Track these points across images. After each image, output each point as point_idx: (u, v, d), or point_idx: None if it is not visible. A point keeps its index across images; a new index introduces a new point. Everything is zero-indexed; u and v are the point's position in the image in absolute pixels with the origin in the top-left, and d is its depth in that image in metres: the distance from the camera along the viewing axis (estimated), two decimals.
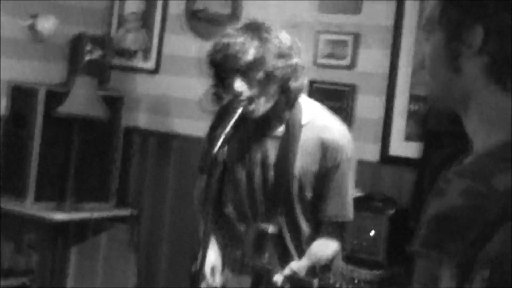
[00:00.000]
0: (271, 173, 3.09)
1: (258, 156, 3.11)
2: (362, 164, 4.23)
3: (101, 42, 5.25)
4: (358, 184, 4.34)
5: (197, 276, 3.02)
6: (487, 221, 1.30)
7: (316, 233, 3.14)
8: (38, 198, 4.96)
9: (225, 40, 2.98)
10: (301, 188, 3.08)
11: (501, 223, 1.30)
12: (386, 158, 4.62)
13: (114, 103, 5.25)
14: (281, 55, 2.97)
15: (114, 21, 5.55)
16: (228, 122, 2.92)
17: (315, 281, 2.89)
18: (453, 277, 1.31)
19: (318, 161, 3.06)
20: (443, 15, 1.47)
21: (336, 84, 4.77)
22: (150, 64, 5.44)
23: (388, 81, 4.63)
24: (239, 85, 2.96)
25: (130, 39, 5.49)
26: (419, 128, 4.50)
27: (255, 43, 2.95)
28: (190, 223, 5.01)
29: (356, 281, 3.32)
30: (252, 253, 3.12)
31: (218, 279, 3.16)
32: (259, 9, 4.98)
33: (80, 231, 5.52)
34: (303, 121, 3.08)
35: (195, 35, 5.27)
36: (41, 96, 4.95)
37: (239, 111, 2.95)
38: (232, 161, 3.15)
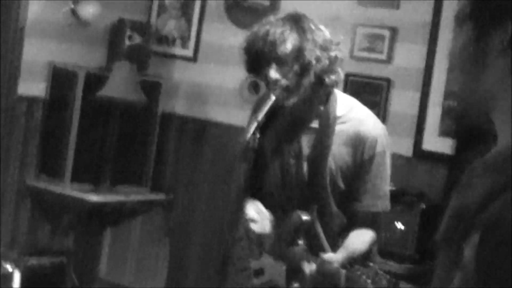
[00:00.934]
0: (305, 165, 3.12)
1: (293, 148, 3.14)
2: (395, 158, 4.25)
3: (142, 28, 5.31)
4: (391, 178, 4.39)
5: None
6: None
7: (351, 224, 3.16)
8: (75, 179, 5.04)
9: (265, 28, 3.00)
10: (335, 180, 3.10)
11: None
12: (419, 153, 4.64)
13: (152, 89, 5.31)
14: (319, 48, 2.99)
15: (155, 8, 5.60)
16: (261, 110, 2.96)
17: (343, 272, 2.91)
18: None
19: (353, 154, 3.08)
20: (474, 11, 1.47)
21: (372, 77, 4.80)
22: (189, 52, 5.49)
23: (424, 76, 4.65)
24: (274, 73, 2.99)
25: (170, 27, 5.55)
26: (453, 124, 4.51)
27: (294, 34, 2.97)
28: (224, 210, 5.07)
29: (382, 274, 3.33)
30: (286, 242, 3.16)
31: (267, 226, 3.17)
32: (298, 1, 5.00)
33: (116, 214, 5.57)
34: (338, 114, 3.11)
35: (234, 24, 5.30)
36: (81, 80, 5.02)
37: (272, 98, 2.98)
38: (268, 151, 3.19)
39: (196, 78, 5.47)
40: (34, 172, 5.14)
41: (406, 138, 4.66)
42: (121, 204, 5.36)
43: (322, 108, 3.11)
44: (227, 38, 5.31)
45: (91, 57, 5.35)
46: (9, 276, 4.63)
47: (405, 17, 4.76)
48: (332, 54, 3.02)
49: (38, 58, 5.09)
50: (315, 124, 3.12)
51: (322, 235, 3.15)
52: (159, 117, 5.40)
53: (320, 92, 3.08)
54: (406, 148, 4.65)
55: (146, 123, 5.35)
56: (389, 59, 4.79)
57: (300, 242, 3.13)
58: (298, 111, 3.11)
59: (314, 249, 3.12)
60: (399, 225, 4.24)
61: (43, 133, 5.14)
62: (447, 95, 4.56)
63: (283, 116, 3.15)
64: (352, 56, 4.80)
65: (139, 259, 5.60)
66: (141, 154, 5.35)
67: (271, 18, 3.07)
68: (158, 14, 5.59)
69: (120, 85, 5.02)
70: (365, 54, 4.82)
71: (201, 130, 5.42)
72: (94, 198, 5.04)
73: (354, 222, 3.16)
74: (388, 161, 3.14)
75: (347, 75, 4.69)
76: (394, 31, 4.79)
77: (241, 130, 3.26)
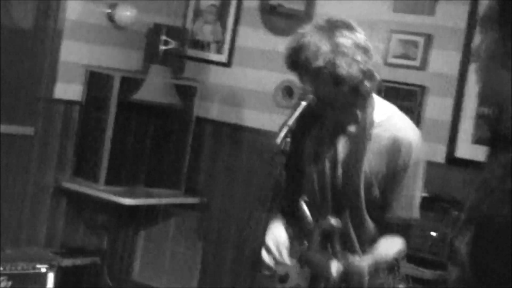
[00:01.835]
0: (340, 170, 3.14)
1: (329, 153, 3.16)
2: (428, 165, 4.24)
3: (177, 33, 5.35)
4: (424, 184, 4.38)
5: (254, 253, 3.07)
6: None
7: (382, 232, 3.17)
8: (110, 182, 5.09)
9: (300, 41, 3.02)
10: (369, 186, 3.11)
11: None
12: (452, 160, 4.64)
13: (187, 93, 5.34)
14: (353, 60, 3.00)
15: (190, 12, 5.64)
16: (292, 115, 2.98)
17: (367, 277, 2.91)
18: None
19: (388, 161, 3.09)
20: (501, 14, 1.47)
21: (406, 84, 4.80)
22: (223, 57, 5.52)
23: (458, 83, 4.65)
24: (307, 85, 3.02)
25: (205, 31, 5.59)
26: (487, 132, 4.50)
27: (328, 47, 2.97)
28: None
29: (410, 282, 3.33)
30: (318, 247, 3.17)
31: (285, 254, 3.20)
32: (333, 7, 5.02)
33: (150, 216, 5.63)
34: (376, 120, 3.12)
35: (268, 30, 5.33)
36: (116, 83, 5.07)
37: (303, 104, 3.01)
38: (306, 158, 3.21)
39: (230, 82, 5.50)
40: (70, 174, 5.20)
41: (439, 144, 4.66)
42: (155, 206, 5.39)
43: (359, 113, 3.13)
44: (261, 43, 5.34)
45: (127, 60, 5.40)
46: (44, 277, 4.68)
47: (440, 24, 4.77)
48: (367, 65, 3.03)
49: (75, 61, 5.15)
50: (352, 129, 3.14)
51: (354, 241, 3.16)
52: (193, 121, 5.44)
53: (357, 99, 3.09)
54: (440, 154, 4.65)
55: (181, 126, 5.39)
56: (423, 66, 4.80)
57: (330, 249, 3.15)
58: (334, 116, 3.14)
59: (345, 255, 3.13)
60: (432, 232, 4.23)
61: (79, 136, 5.19)
62: (481, 101, 4.55)
63: (320, 120, 3.18)
64: (386, 63, 4.80)
65: (172, 261, 5.63)
66: (176, 158, 5.39)
67: (307, 28, 3.08)
68: (194, 19, 5.63)
69: (155, 89, 5.06)
70: (399, 61, 4.83)
71: (235, 134, 5.45)
72: (128, 201, 5.08)
73: (384, 229, 3.16)
74: (422, 170, 3.14)
75: (381, 82, 4.70)
76: (428, 37, 4.79)
77: (274, 135, 3.30)
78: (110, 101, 5.06)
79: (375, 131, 3.10)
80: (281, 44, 4.93)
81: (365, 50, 3.04)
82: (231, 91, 5.49)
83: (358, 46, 3.02)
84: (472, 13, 4.61)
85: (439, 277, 4.13)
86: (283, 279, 3.27)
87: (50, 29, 5.02)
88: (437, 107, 4.73)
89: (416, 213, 3.17)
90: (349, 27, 3.05)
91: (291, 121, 2.95)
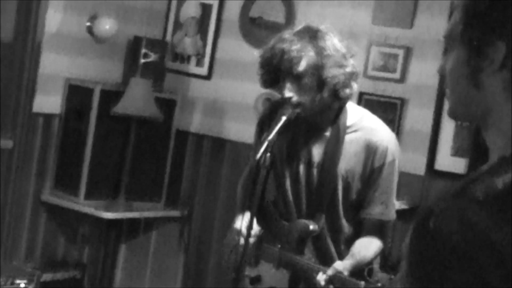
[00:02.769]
0: (315, 173, 3.14)
1: (303, 156, 3.18)
2: (408, 177, 4.27)
3: (157, 45, 5.35)
4: (404, 196, 4.38)
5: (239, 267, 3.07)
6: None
7: (358, 233, 3.18)
8: (90, 195, 5.06)
9: (281, 46, 3.03)
10: (345, 189, 3.13)
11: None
12: (432, 172, 4.65)
13: (167, 105, 5.34)
14: (335, 64, 3.01)
15: (170, 25, 5.64)
16: (273, 129, 2.98)
17: (362, 283, 2.92)
18: None
19: (363, 162, 3.11)
20: (465, 31, 1.47)
21: (386, 96, 4.82)
22: (203, 69, 5.52)
23: (438, 95, 4.66)
24: (288, 91, 3.02)
25: (186, 44, 5.59)
26: (466, 144, 4.52)
27: (310, 51, 2.99)
28: None
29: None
30: (293, 250, 3.17)
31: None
32: (313, 19, 5.03)
33: (131, 229, 5.61)
34: (349, 123, 3.14)
35: (249, 42, 5.33)
36: (96, 95, 5.04)
37: (283, 118, 3.01)
38: (279, 159, 3.21)
39: (211, 95, 5.49)
40: (50, 188, 5.18)
41: (419, 156, 4.67)
42: (137, 219, 5.37)
43: (334, 117, 3.14)
44: (242, 55, 5.34)
45: (107, 73, 5.39)
46: None
47: (419, 36, 4.79)
48: (348, 70, 3.05)
49: (55, 73, 5.13)
50: (327, 133, 3.15)
51: (330, 243, 3.17)
52: (174, 134, 5.43)
53: (334, 104, 3.11)
54: (419, 166, 4.66)
55: (161, 139, 5.38)
56: (403, 78, 4.82)
57: (306, 252, 3.15)
58: (311, 120, 3.15)
59: (321, 258, 3.14)
60: None
61: (58, 149, 5.17)
62: (454, 118, 4.55)
63: (296, 125, 3.18)
64: (366, 75, 4.82)
65: (154, 274, 5.61)
66: (156, 171, 5.38)
67: (287, 34, 3.09)
68: (174, 32, 5.63)
69: (135, 102, 5.05)
70: (379, 73, 4.85)
71: (216, 146, 5.45)
72: (108, 214, 5.06)
73: (361, 230, 3.18)
74: (397, 170, 3.17)
75: (361, 94, 4.72)
76: (407, 50, 4.81)
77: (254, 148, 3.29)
78: (90, 114, 5.04)
79: (349, 133, 3.12)
80: None
81: (346, 57, 3.06)
82: (212, 104, 5.49)
83: (339, 51, 3.04)
84: None
85: None
86: (254, 281, 3.26)
87: (30, 41, 5.00)
88: (417, 119, 4.75)
89: (392, 213, 3.19)
90: (328, 33, 3.07)
91: (271, 136, 2.95)
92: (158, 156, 5.38)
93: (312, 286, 3.04)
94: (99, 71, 5.35)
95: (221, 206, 5.39)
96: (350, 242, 3.18)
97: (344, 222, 3.19)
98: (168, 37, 5.63)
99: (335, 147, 3.12)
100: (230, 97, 5.41)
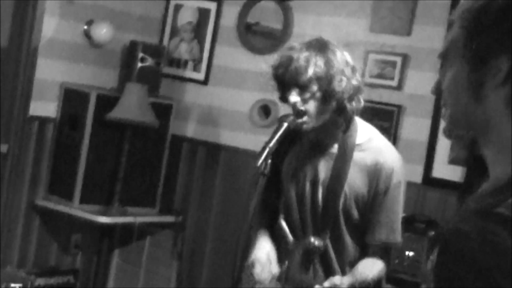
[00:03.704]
0: (321, 191, 3.12)
1: (309, 173, 3.15)
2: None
3: (154, 50, 5.33)
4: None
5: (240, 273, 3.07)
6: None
7: (363, 254, 3.16)
8: (85, 200, 5.04)
9: (289, 54, 3.02)
10: (349, 207, 3.10)
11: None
12: (429, 180, 4.64)
13: (163, 111, 5.32)
14: (343, 76, 3.00)
15: (167, 30, 5.63)
16: (273, 136, 2.97)
17: None
18: None
19: (369, 183, 3.08)
20: (467, 44, 1.45)
21: (383, 104, 4.80)
22: (200, 75, 5.51)
23: (435, 103, 4.65)
24: (294, 97, 3.01)
25: (182, 49, 5.58)
26: (463, 152, 4.51)
27: (319, 61, 2.98)
28: (234, 234, 5.07)
29: None
30: (298, 267, 3.16)
31: (274, 265, 3.17)
32: (310, 27, 5.03)
33: (125, 234, 5.60)
34: (358, 142, 3.12)
35: (246, 48, 5.32)
36: (92, 100, 5.03)
37: (284, 125, 3.00)
38: (285, 176, 3.20)
39: (207, 101, 5.48)
40: (44, 192, 5.15)
41: (416, 165, 4.66)
42: (130, 225, 5.36)
43: (342, 134, 3.12)
44: (238, 62, 5.33)
45: (103, 78, 5.37)
46: None
47: (417, 44, 4.78)
48: (354, 83, 3.04)
49: (50, 78, 5.11)
50: (334, 150, 3.13)
51: (334, 262, 3.15)
52: (169, 139, 5.41)
53: (341, 119, 3.09)
54: (416, 175, 4.65)
55: (157, 145, 5.36)
56: (400, 86, 4.80)
57: (311, 270, 3.13)
58: (318, 136, 3.13)
59: (328, 276, 3.11)
60: (409, 252, 4.22)
61: (53, 154, 5.15)
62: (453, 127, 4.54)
63: (302, 140, 3.17)
64: (363, 83, 4.80)
65: (147, 280, 5.59)
66: (151, 176, 5.36)
67: (296, 44, 3.09)
68: (170, 37, 5.62)
69: (131, 107, 5.03)
70: (376, 81, 4.83)
71: (211, 153, 5.43)
72: (103, 219, 5.04)
73: (365, 251, 3.16)
74: (402, 193, 3.14)
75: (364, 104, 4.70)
76: (405, 58, 4.80)
77: (253, 155, 3.27)
78: (85, 119, 5.02)
79: (357, 153, 3.09)
80: (258, 63, 4.94)
81: (353, 69, 3.05)
82: (208, 110, 5.47)
83: (348, 65, 3.03)
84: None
85: None
86: None
87: (26, 46, 4.98)
88: (414, 127, 4.74)
89: (398, 236, 3.16)
90: (336, 46, 3.06)
91: (271, 143, 2.93)
92: (153, 162, 5.36)
93: None
94: (95, 76, 5.33)
95: (215, 212, 5.37)
96: (357, 263, 3.16)
97: (348, 240, 3.15)
98: (165, 43, 5.62)
99: (342, 165, 3.09)
100: (226, 103, 5.39)
